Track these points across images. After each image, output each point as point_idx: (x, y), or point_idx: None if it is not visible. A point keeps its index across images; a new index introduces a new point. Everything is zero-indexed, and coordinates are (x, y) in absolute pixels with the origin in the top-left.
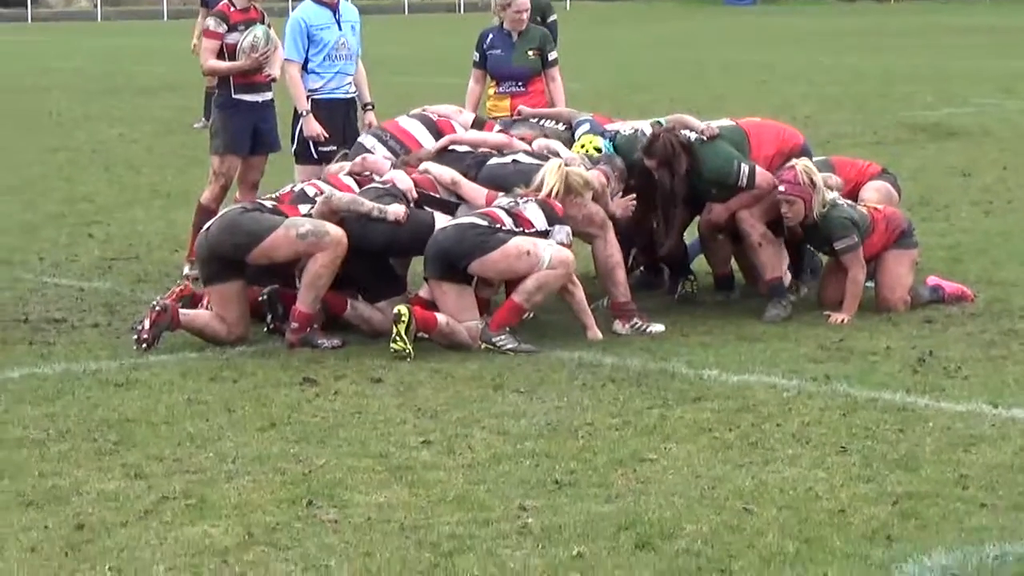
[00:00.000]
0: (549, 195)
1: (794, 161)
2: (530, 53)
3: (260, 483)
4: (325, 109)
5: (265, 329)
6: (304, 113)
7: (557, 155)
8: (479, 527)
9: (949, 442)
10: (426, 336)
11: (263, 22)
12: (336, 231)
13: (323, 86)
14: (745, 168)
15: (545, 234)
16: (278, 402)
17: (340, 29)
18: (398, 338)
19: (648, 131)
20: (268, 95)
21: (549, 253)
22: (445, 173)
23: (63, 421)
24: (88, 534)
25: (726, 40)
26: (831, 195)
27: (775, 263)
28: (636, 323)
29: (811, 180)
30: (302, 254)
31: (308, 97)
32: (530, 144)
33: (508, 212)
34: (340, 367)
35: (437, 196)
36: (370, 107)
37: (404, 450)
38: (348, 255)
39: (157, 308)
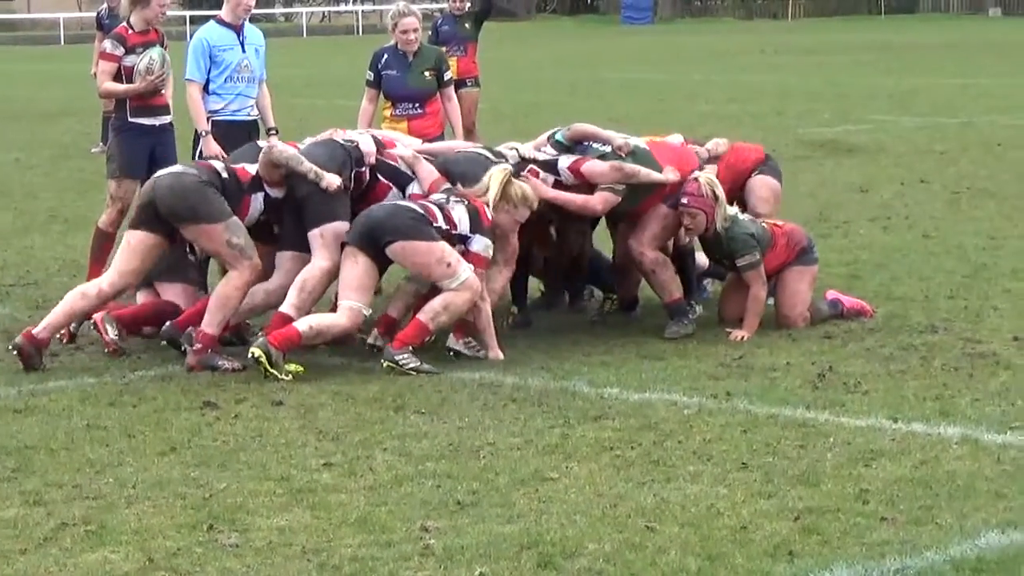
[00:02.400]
0: (486, 199)
1: (697, 173)
2: (426, 74)
3: (160, 508)
4: (225, 130)
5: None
6: (203, 133)
7: (520, 154)
8: (381, 549)
9: (850, 457)
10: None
11: (162, 44)
12: (257, 261)
13: (223, 108)
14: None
15: (465, 239)
16: (178, 426)
17: (243, 51)
18: (273, 374)
19: (556, 136)
20: (166, 118)
21: (465, 276)
22: (408, 153)
23: None
24: None
25: (624, 59)
26: (732, 210)
27: (672, 285)
28: (470, 341)
29: (714, 193)
30: (221, 259)
31: (208, 118)
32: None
33: (440, 209)
34: (241, 390)
35: (394, 165)
36: (274, 131)
37: (305, 473)
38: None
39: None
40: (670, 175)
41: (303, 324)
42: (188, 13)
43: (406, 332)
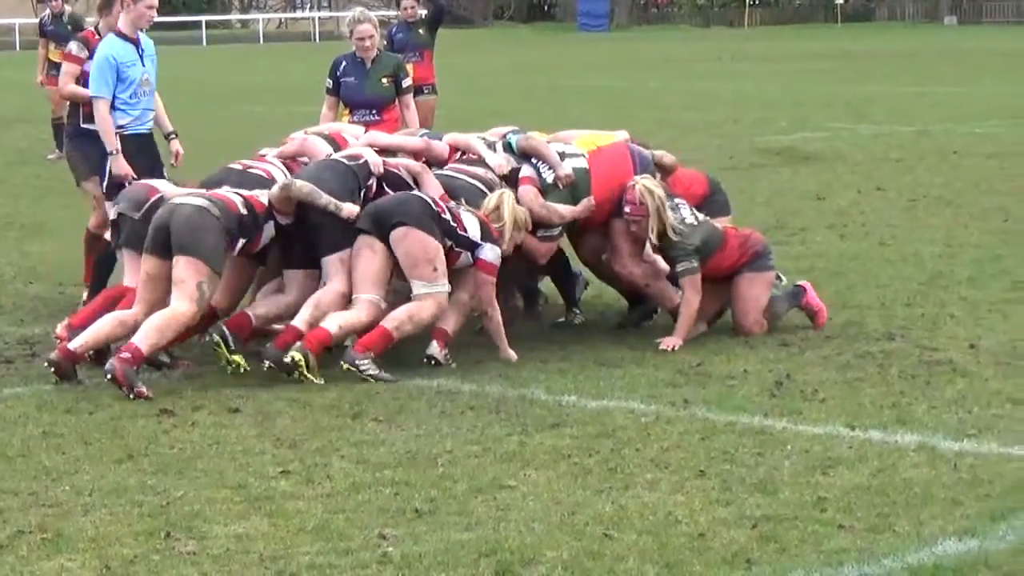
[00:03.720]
0: (499, 226)
1: (635, 179)
2: (384, 81)
3: (117, 516)
4: (135, 144)
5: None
6: (113, 152)
7: (480, 157)
8: (339, 557)
9: (807, 465)
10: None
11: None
12: (199, 312)
13: (130, 122)
14: None
15: (475, 245)
16: (135, 434)
17: (144, 64)
18: (309, 378)
19: (499, 147)
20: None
21: (440, 288)
22: (414, 164)
23: None
24: None
25: (581, 66)
26: (685, 211)
27: (670, 292)
28: (448, 353)
29: (652, 198)
30: (179, 290)
31: (116, 134)
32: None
33: (450, 210)
34: (198, 397)
35: (397, 174)
36: (174, 135)
37: (263, 480)
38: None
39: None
40: (581, 208)
41: (332, 325)
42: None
43: (370, 337)
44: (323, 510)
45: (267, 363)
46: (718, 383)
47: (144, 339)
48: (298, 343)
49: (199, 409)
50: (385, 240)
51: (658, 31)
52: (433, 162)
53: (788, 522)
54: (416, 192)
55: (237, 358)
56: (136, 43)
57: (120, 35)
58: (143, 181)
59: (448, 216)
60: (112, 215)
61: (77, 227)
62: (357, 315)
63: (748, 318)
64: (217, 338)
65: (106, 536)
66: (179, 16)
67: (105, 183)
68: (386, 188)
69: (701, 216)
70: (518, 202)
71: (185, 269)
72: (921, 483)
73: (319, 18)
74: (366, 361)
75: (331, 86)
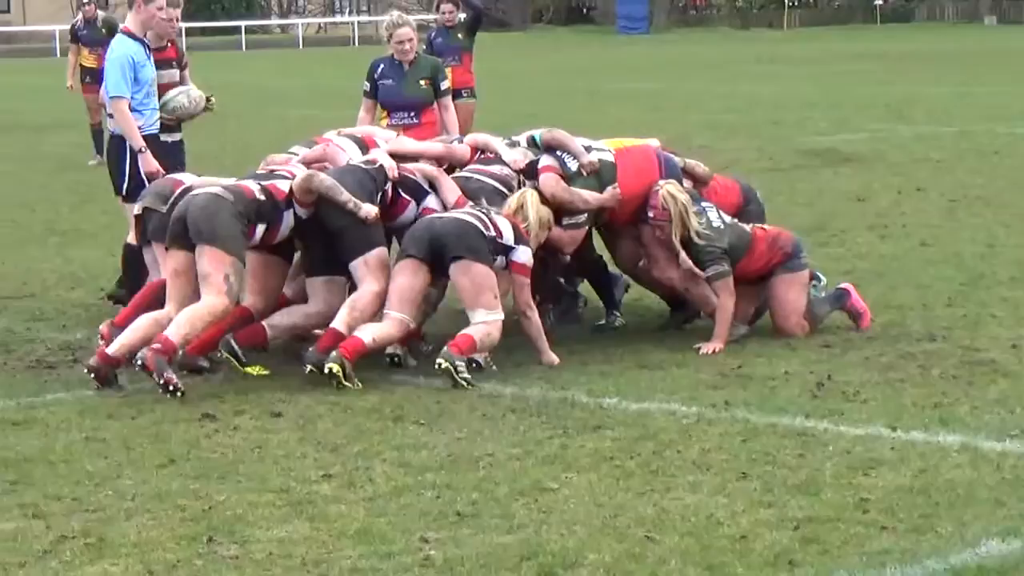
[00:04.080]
0: (526, 225)
1: (660, 183)
2: (422, 83)
3: (160, 520)
4: (151, 146)
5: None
6: (141, 150)
7: (497, 154)
8: (381, 560)
9: (849, 466)
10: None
11: (180, 61)
12: (232, 303)
13: (144, 123)
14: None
15: (509, 250)
16: (177, 438)
17: (152, 66)
18: (346, 385)
19: (523, 144)
20: (177, 136)
21: (499, 314)
22: (430, 169)
23: None
24: None
25: (620, 69)
26: (712, 214)
27: (710, 296)
28: (487, 356)
29: (675, 203)
30: (208, 283)
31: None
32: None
33: (487, 217)
34: (239, 402)
35: (414, 179)
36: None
37: (305, 484)
38: (308, 226)
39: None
40: (607, 196)
41: (367, 336)
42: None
43: (464, 343)
44: (365, 514)
45: (308, 367)
46: (759, 384)
47: (176, 331)
48: (334, 352)
49: (241, 414)
50: (433, 266)
51: (697, 33)
52: (456, 165)
53: (830, 523)
54: (468, 217)
55: (250, 370)
56: (146, 45)
57: (131, 35)
58: (168, 176)
59: (492, 232)
60: (136, 210)
61: (118, 232)
62: (388, 331)
63: (789, 321)
64: (227, 355)
65: (149, 541)
66: (218, 21)
67: (125, 185)
68: (402, 193)
69: (728, 218)
70: (540, 191)
71: (209, 262)
72: (964, 484)
73: (358, 23)
74: (463, 364)
75: (368, 89)
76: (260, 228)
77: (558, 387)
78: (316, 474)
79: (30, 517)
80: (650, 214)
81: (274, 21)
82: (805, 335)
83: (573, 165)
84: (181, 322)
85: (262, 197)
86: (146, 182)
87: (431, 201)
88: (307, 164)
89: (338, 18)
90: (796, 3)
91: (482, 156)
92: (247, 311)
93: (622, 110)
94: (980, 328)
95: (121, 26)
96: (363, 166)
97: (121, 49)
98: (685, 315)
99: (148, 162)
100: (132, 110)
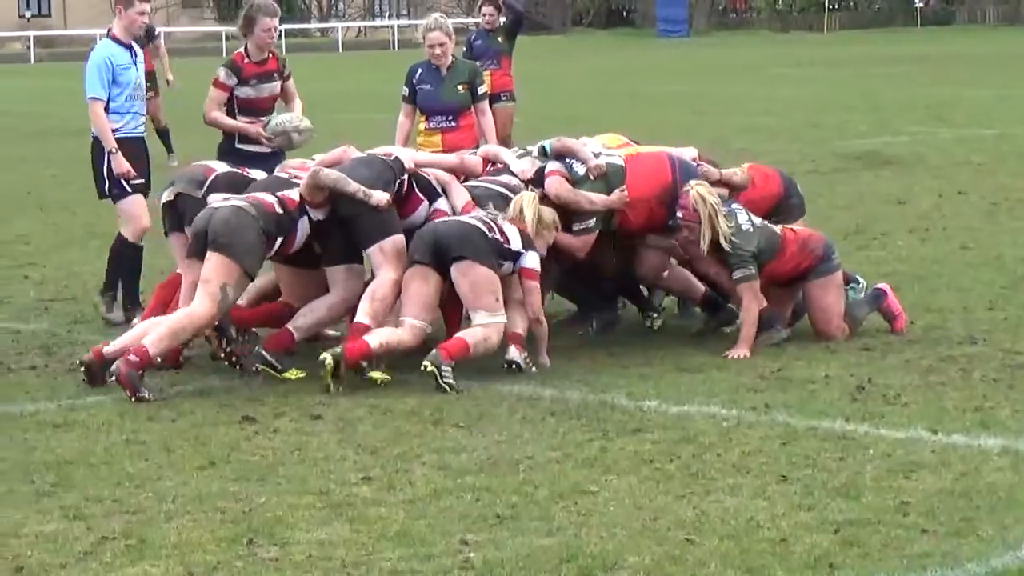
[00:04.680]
0: (524, 224)
1: (690, 184)
2: (459, 87)
3: (200, 522)
4: (130, 147)
5: (221, 355)
6: (113, 151)
7: (507, 165)
8: (420, 563)
9: (889, 469)
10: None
11: (281, 71)
12: (217, 315)
13: (123, 126)
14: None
15: (517, 256)
16: (217, 441)
17: (137, 70)
18: (330, 382)
19: (534, 155)
20: (260, 148)
21: (501, 317)
22: (442, 174)
23: (0, 463)
24: None
25: (660, 72)
26: (741, 216)
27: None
28: (526, 357)
29: (704, 205)
30: (204, 290)
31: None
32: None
33: (493, 222)
34: (279, 405)
35: (428, 180)
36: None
37: (344, 487)
38: (324, 224)
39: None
40: (615, 199)
41: (375, 341)
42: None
43: (455, 347)
44: (405, 516)
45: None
46: (799, 387)
47: (156, 341)
48: (337, 348)
49: (281, 416)
50: (440, 270)
51: (737, 36)
52: (468, 176)
53: (871, 527)
54: (471, 220)
55: (288, 375)
56: (131, 48)
57: (115, 40)
58: (199, 162)
59: (499, 236)
60: (167, 197)
61: (158, 235)
62: (400, 336)
63: (831, 325)
64: (262, 367)
65: (189, 542)
66: None
67: (107, 186)
68: (417, 190)
69: (758, 220)
70: (545, 195)
71: (214, 268)
72: (1005, 487)
73: (398, 26)
74: (449, 369)
75: (407, 94)
76: (278, 241)
77: (598, 390)
78: (356, 476)
79: (71, 518)
80: (679, 214)
81: (314, 25)
82: (845, 338)
83: (580, 170)
84: (162, 333)
85: (280, 210)
86: (125, 185)
87: (442, 204)
88: (326, 166)
89: (378, 21)
90: (836, 6)
91: (493, 168)
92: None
93: (662, 113)
94: (1021, 331)
95: (109, 30)
96: (380, 156)
97: (101, 52)
98: (723, 317)
99: (119, 163)
100: (112, 112)
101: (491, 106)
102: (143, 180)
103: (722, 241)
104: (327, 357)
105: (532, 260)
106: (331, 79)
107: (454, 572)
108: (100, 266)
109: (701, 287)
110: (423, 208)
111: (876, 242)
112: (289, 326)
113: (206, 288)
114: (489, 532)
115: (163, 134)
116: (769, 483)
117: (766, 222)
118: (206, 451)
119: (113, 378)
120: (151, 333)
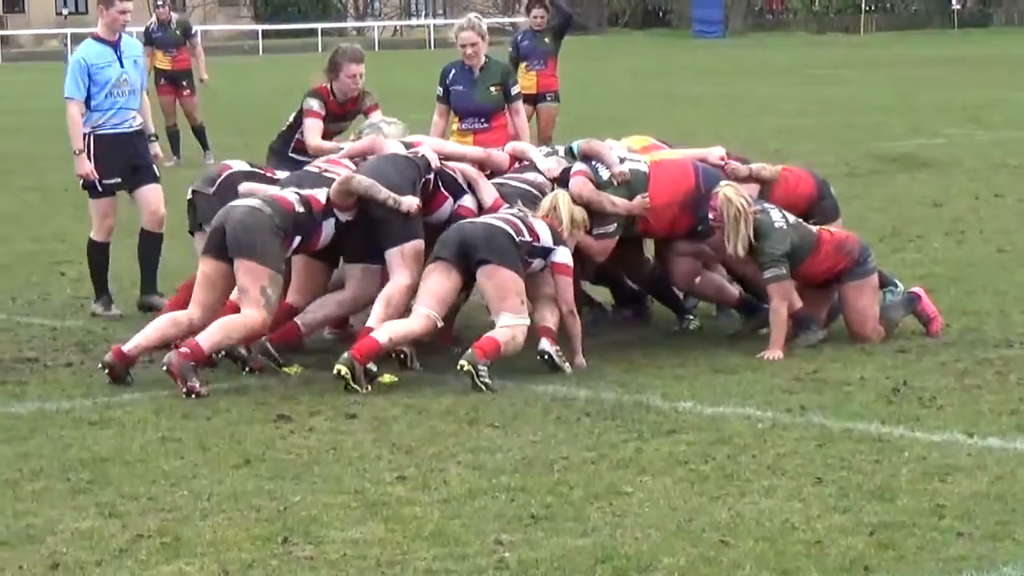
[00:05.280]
0: (558, 223)
1: (720, 184)
2: (492, 89)
3: (235, 521)
4: (110, 143)
5: (244, 371)
6: (77, 152)
7: (532, 163)
8: (455, 562)
9: (925, 472)
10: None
11: (360, 108)
12: (269, 320)
13: (105, 121)
14: None
15: (547, 252)
16: (252, 439)
17: (122, 66)
18: (355, 388)
19: (561, 155)
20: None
21: (525, 318)
22: (470, 170)
23: (36, 460)
24: (63, 574)
25: (696, 72)
26: (775, 214)
27: (793, 297)
28: (558, 349)
29: (731, 204)
30: (245, 297)
31: (88, 135)
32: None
33: (522, 222)
34: (315, 403)
35: (453, 176)
36: (154, 138)
37: (379, 486)
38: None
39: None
40: (636, 204)
41: (383, 336)
42: (260, 27)
43: (488, 346)
44: (439, 516)
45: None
46: (834, 390)
47: (208, 337)
48: (346, 355)
49: (316, 415)
50: (463, 270)
51: (773, 37)
52: (495, 171)
53: (906, 529)
54: (497, 222)
55: (289, 370)
56: (115, 46)
57: (97, 39)
58: (225, 160)
59: (525, 232)
60: (188, 196)
61: (175, 231)
62: (410, 326)
63: (866, 328)
64: (265, 360)
65: (224, 541)
66: (294, 24)
67: (83, 182)
68: (442, 188)
69: (792, 218)
70: (570, 195)
71: (245, 276)
72: None
73: (434, 25)
74: (485, 369)
75: (441, 94)
76: (297, 239)
77: (633, 391)
78: (391, 476)
79: (106, 516)
80: (710, 215)
81: (350, 24)
82: (880, 340)
83: (605, 174)
84: (215, 330)
85: (301, 209)
86: (96, 184)
87: (467, 200)
88: (352, 157)
89: (414, 21)
90: (873, 7)
91: (520, 164)
92: (288, 306)
93: (697, 114)
94: None
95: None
96: (405, 153)
97: (77, 53)
98: (758, 319)
99: (82, 164)
100: (92, 110)
101: (536, 106)
102: (119, 179)
103: (739, 244)
104: (340, 369)
105: (564, 255)
106: (367, 78)
107: (489, 572)
108: (133, 264)
109: (735, 292)
110: (448, 205)
111: (912, 244)
112: (297, 320)
113: (248, 297)
114: (524, 532)
115: (199, 132)
116: (804, 485)
117: (801, 220)
118: (241, 449)
119: (164, 369)
120: (207, 329)
